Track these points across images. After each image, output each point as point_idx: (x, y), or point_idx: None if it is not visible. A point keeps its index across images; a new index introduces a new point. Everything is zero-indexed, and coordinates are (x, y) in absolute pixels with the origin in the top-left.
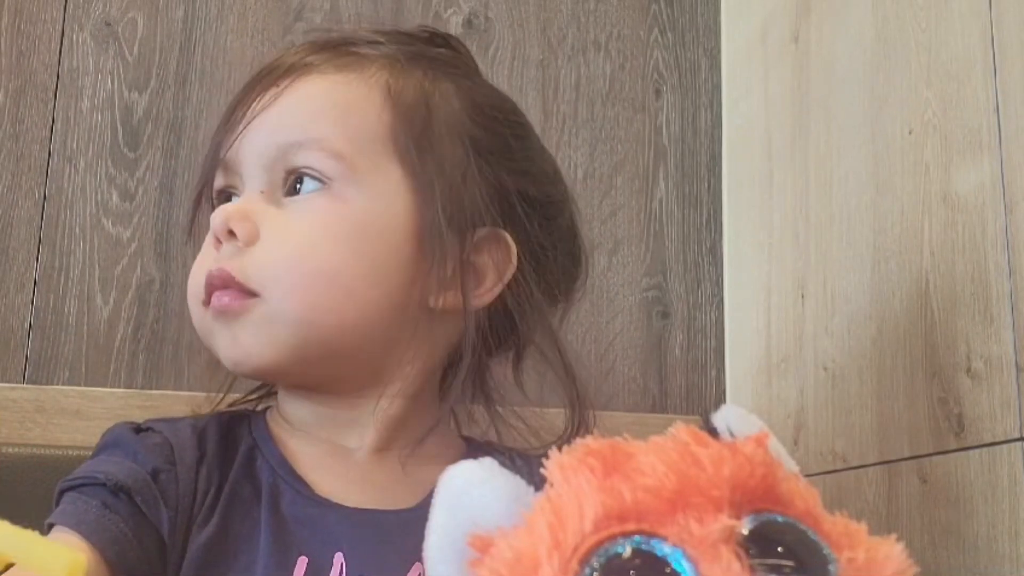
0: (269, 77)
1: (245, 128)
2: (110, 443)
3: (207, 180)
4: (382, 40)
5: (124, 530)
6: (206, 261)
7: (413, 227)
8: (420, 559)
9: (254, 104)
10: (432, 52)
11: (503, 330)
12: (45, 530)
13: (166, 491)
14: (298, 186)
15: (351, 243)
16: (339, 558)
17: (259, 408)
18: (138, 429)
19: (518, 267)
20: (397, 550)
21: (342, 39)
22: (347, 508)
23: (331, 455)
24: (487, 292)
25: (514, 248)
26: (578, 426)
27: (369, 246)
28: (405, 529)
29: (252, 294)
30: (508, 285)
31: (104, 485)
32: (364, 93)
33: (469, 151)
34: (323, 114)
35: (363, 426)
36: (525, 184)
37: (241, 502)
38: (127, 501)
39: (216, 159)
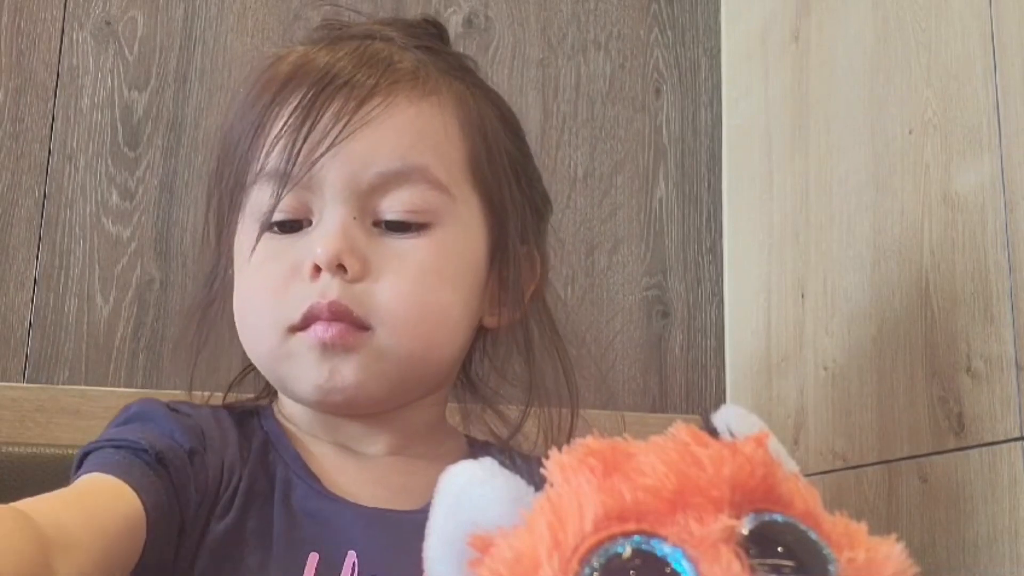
0: (350, 94)
1: (334, 150)
2: (142, 415)
3: (279, 194)
4: (423, 46)
5: (162, 497)
6: (294, 289)
7: (487, 252)
8: None
9: (340, 124)
10: (453, 56)
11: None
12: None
13: (198, 475)
14: (400, 220)
15: (455, 276)
16: (351, 557)
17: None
18: (171, 408)
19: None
20: (409, 552)
21: (396, 41)
22: (360, 507)
23: (342, 456)
24: (515, 312)
25: (539, 262)
26: (571, 426)
27: (466, 276)
28: (418, 530)
29: (365, 328)
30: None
31: (146, 451)
32: (447, 119)
33: (515, 170)
34: (422, 142)
35: (380, 433)
36: (539, 197)
37: (255, 496)
38: (165, 474)
39: (287, 176)
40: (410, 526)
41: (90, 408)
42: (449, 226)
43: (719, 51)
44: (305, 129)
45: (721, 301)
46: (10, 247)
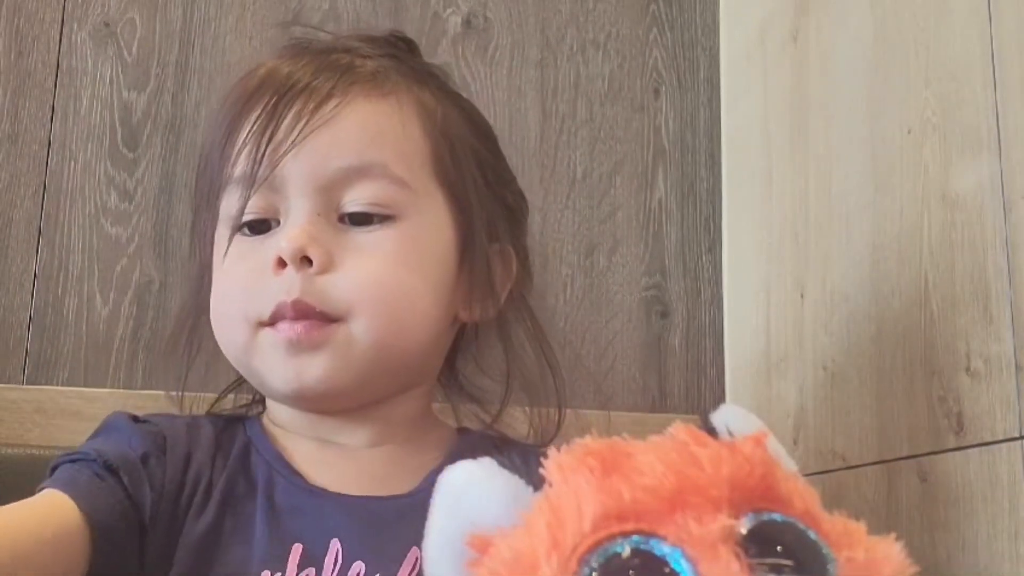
0: (309, 96)
1: (295, 148)
2: (107, 428)
3: (246, 197)
4: (385, 55)
5: (110, 501)
6: (262, 284)
7: (456, 247)
8: (417, 545)
9: (300, 124)
10: (419, 64)
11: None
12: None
13: (153, 475)
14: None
15: (421, 267)
16: (335, 544)
17: (251, 413)
18: (135, 418)
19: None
20: (394, 537)
21: (358, 50)
22: (342, 496)
23: (324, 450)
24: (493, 307)
25: (516, 261)
26: (558, 422)
27: (433, 269)
28: (402, 515)
29: (332, 320)
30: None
31: (95, 460)
32: (406, 118)
33: (482, 169)
34: (381, 139)
35: (360, 427)
36: (511, 197)
37: (236, 496)
38: (115, 479)
39: (253, 177)
40: (393, 512)
41: (89, 410)
42: (413, 218)
43: (718, 51)
44: (268, 132)
45: (720, 301)
46: (9, 248)
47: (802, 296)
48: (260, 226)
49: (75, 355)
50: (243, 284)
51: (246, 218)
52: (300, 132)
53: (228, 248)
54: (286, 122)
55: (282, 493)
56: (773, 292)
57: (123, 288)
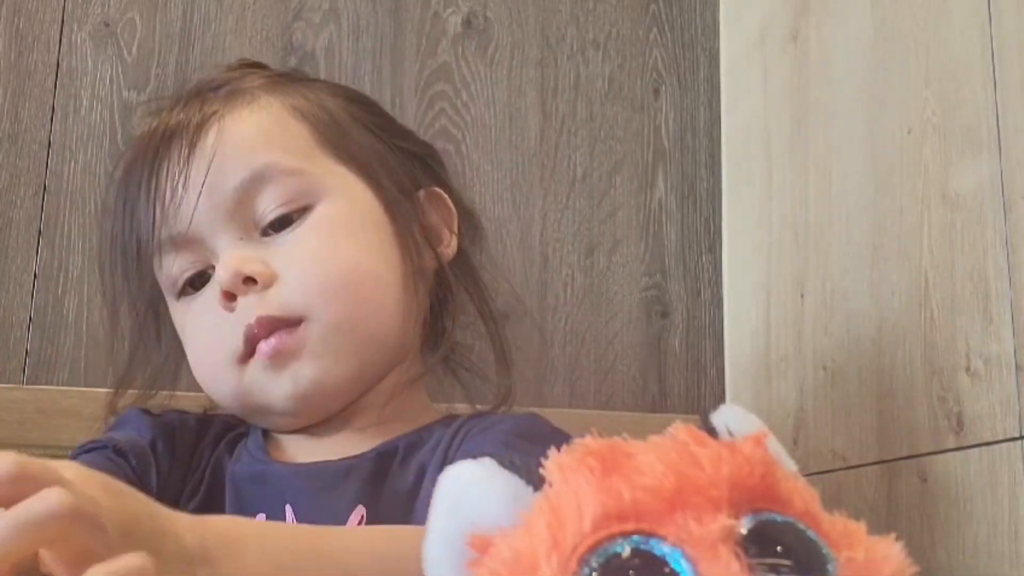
0: (177, 140)
1: (186, 195)
2: (121, 421)
3: (179, 270)
4: (237, 76)
5: (120, 479)
6: (225, 325)
7: (382, 206)
8: (363, 502)
9: (180, 172)
10: (282, 72)
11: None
12: None
13: (160, 460)
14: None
15: (354, 235)
16: (289, 512)
17: None
18: (147, 411)
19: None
20: (340, 496)
21: (210, 83)
22: (294, 464)
23: (315, 437)
24: (448, 244)
25: (448, 198)
26: (507, 388)
27: (367, 233)
28: (349, 474)
29: (300, 320)
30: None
31: (107, 447)
32: (275, 116)
33: (373, 133)
34: (258, 143)
35: (353, 420)
36: (414, 145)
37: (218, 474)
38: (124, 461)
39: (166, 242)
40: (342, 472)
41: (90, 409)
42: (327, 198)
43: (718, 51)
44: (159, 190)
45: (720, 301)
46: (9, 248)
47: (802, 296)
48: (201, 280)
49: (75, 355)
50: (209, 336)
51: (184, 278)
52: (187, 174)
53: (183, 316)
54: (171, 172)
55: (243, 466)
56: (773, 292)
57: None
